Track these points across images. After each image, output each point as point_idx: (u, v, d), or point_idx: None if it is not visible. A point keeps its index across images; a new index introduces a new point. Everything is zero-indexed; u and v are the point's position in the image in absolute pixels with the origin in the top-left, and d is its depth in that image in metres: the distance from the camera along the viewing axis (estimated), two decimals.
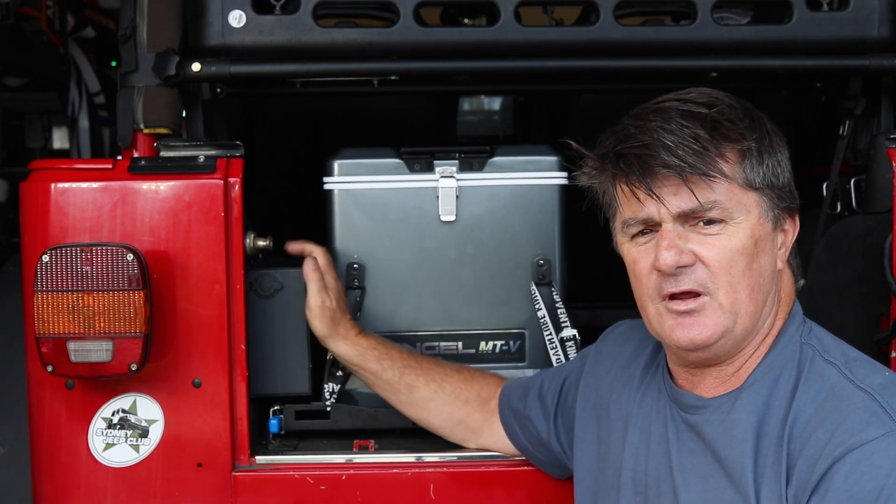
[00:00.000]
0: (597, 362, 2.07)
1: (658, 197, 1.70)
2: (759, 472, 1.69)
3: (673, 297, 1.73)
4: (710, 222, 1.71)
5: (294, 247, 2.40)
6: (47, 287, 2.18)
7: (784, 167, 1.76)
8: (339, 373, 2.49)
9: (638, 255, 1.77)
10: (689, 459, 1.79)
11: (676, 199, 1.70)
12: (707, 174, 1.68)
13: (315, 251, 2.38)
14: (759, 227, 1.72)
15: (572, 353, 2.47)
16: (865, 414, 1.62)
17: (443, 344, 2.54)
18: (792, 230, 1.79)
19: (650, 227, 1.75)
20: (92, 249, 2.19)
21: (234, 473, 2.34)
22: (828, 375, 1.70)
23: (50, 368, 2.21)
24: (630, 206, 1.75)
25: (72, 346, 2.20)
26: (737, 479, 1.71)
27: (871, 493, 1.56)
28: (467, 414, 2.31)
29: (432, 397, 2.31)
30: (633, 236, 1.78)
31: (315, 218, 2.58)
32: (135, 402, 2.32)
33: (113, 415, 2.32)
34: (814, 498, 1.60)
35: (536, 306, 2.50)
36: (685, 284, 1.71)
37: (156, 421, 2.32)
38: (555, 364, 2.47)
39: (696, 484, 1.77)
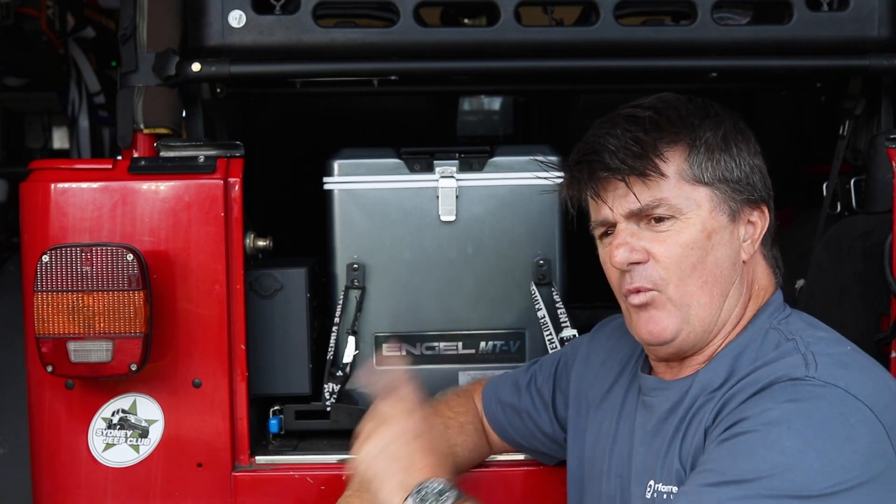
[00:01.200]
0: (591, 352, 2.09)
1: (605, 201, 1.78)
2: (688, 431, 1.73)
3: (630, 292, 1.79)
4: (660, 219, 1.76)
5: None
6: (47, 287, 2.18)
7: (741, 161, 1.78)
8: (339, 373, 2.50)
9: (605, 255, 1.85)
10: (647, 438, 1.83)
11: (624, 200, 1.76)
12: (644, 174, 1.74)
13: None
14: (711, 220, 1.76)
15: None
16: (789, 365, 1.64)
17: (443, 344, 2.55)
18: (761, 222, 1.82)
19: (610, 227, 1.82)
20: (92, 249, 2.19)
21: (234, 473, 2.34)
22: (779, 343, 1.73)
23: (50, 368, 2.21)
24: (593, 209, 1.84)
25: (72, 346, 2.20)
26: (665, 455, 1.75)
27: (753, 423, 1.58)
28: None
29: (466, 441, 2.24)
30: (600, 237, 1.86)
31: (315, 218, 2.58)
32: (135, 402, 2.32)
33: (113, 415, 2.32)
34: (713, 431, 1.64)
35: (536, 306, 2.51)
36: (637, 281, 1.77)
37: (156, 421, 2.32)
38: None
39: (651, 462, 1.80)
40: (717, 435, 1.63)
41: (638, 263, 1.76)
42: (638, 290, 1.78)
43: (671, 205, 1.75)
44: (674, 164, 1.76)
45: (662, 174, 1.74)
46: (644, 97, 1.84)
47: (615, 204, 1.78)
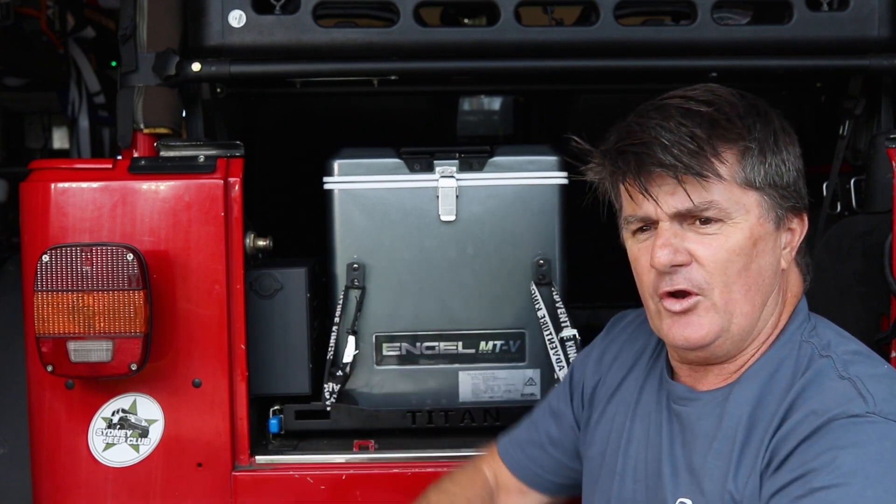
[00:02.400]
0: (606, 350, 2.04)
1: (653, 197, 1.69)
2: (742, 464, 1.68)
3: (668, 295, 1.72)
4: (706, 221, 1.69)
5: None
6: (47, 287, 2.18)
7: (790, 165, 1.73)
8: (339, 372, 2.50)
9: (639, 253, 1.76)
10: (679, 452, 1.79)
11: (672, 198, 1.69)
12: (701, 174, 1.66)
13: None
14: (758, 227, 1.70)
15: (572, 353, 2.47)
16: (845, 398, 1.61)
17: (443, 344, 2.55)
18: (799, 229, 1.77)
19: (649, 224, 1.74)
20: (92, 249, 2.19)
21: (234, 473, 2.34)
22: (821, 371, 1.69)
23: (50, 368, 2.21)
24: (630, 203, 1.75)
25: (72, 345, 2.20)
26: (710, 475, 1.71)
27: (824, 463, 1.54)
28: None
29: None
30: (634, 232, 1.77)
31: (315, 218, 2.58)
32: (135, 401, 2.32)
33: (113, 415, 2.32)
34: (779, 471, 1.60)
35: (536, 306, 2.51)
36: (680, 284, 1.70)
37: (156, 421, 2.32)
38: (554, 364, 2.48)
39: (684, 477, 1.77)
40: (784, 486, 1.58)
41: (680, 266, 1.69)
42: (679, 294, 1.70)
43: (721, 208, 1.68)
44: (728, 166, 1.68)
45: (720, 176, 1.67)
46: (690, 87, 1.76)
47: (662, 201, 1.69)
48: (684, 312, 1.71)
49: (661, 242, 1.69)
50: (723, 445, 1.71)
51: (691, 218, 1.69)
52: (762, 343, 1.76)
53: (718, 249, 1.69)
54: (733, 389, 1.75)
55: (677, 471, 1.78)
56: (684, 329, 1.72)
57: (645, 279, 1.75)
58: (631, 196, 1.74)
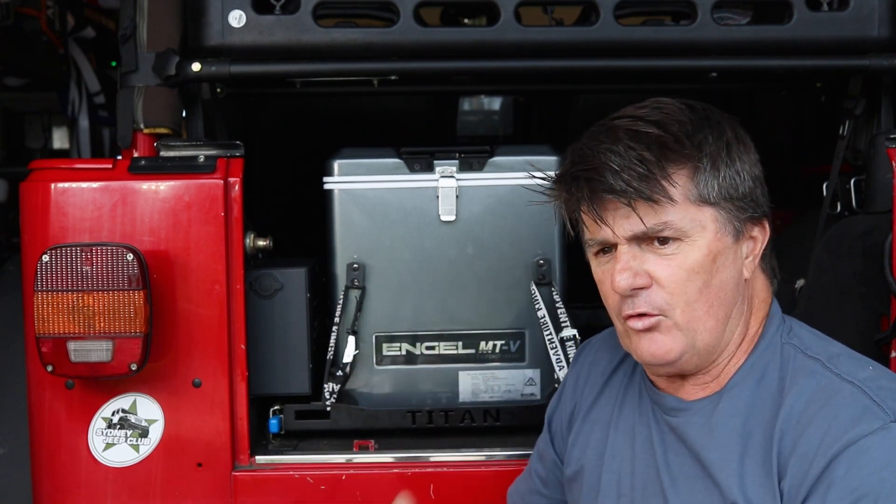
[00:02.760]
0: (578, 376, 2.04)
1: (608, 223, 1.70)
2: (745, 473, 1.68)
3: (630, 316, 1.73)
4: (664, 241, 1.69)
5: None
6: (47, 287, 2.18)
7: (745, 175, 1.72)
8: (339, 373, 2.50)
9: (602, 275, 1.77)
10: (675, 461, 1.79)
11: (627, 222, 1.69)
12: (652, 198, 1.66)
13: None
14: (716, 242, 1.70)
15: (572, 353, 2.47)
16: (857, 408, 1.61)
17: (443, 344, 2.55)
18: (761, 237, 1.76)
19: (609, 246, 1.74)
20: (92, 249, 2.19)
21: (234, 473, 2.34)
22: (813, 371, 1.69)
23: (50, 368, 2.21)
24: (589, 226, 1.76)
25: (72, 345, 2.20)
26: (720, 483, 1.70)
27: (872, 486, 1.56)
28: None
29: None
30: (596, 254, 1.78)
31: (315, 218, 2.58)
32: (135, 401, 2.32)
33: (113, 415, 2.32)
34: (814, 496, 1.60)
35: (536, 306, 2.51)
36: (640, 307, 1.71)
37: (156, 421, 2.32)
38: (554, 364, 2.48)
39: (684, 485, 1.76)
40: None
41: (641, 288, 1.70)
42: (641, 316, 1.71)
43: (677, 227, 1.68)
44: (680, 185, 1.68)
45: (671, 199, 1.67)
46: (639, 104, 1.76)
47: (617, 225, 1.69)
48: (648, 330, 1.72)
49: (619, 267, 1.70)
50: (720, 456, 1.71)
51: (649, 239, 1.69)
52: (734, 352, 1.76)
53: (677, 269, 1.69)
54: (721, 398, 1.75)
55: (675, 481, 1.78)
56: (650, 346, 1.73)
57: (610, 301, 1.76)
58: (588, 221, 1.74)
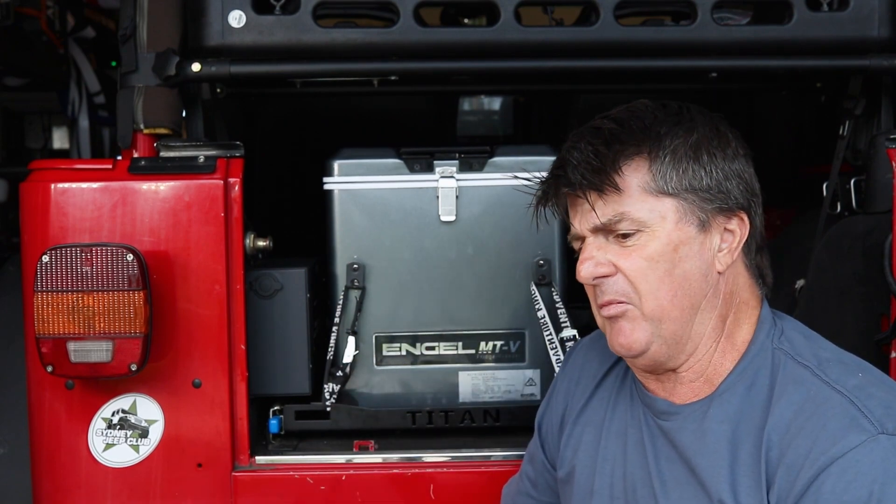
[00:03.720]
0: (569, 378, 2.05)
1: (571, 216, 1.77)
2: (736, 481, 1.68)
3: (602, 305, 1.77)
4: (626, 234, 1.72)
5: None
6: (47, 287, 2.18)
7: (712, 169, 1.73)
8: (339, 373, 2.50)
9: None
10: (666, 466, 1.79)
11: (589, 215, 1.73)
12: (600, 189, 1.71)
13: None
14: (677, 231, 1.71)
15: None
16: (845, 419, 1.61)
17: (443, 344, 2.55)
18: (740, 230, 1.76)
19: (582, 241, 1.79)
20: (92, 249, 2.19)
21: (234, 473, 2.34)
22: (803, 379, 1.69)
23: (50, 368, 2.21)
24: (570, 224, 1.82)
25: (72, 346, 2.20)
26: (710, 490, 1.71)
27: (860, 500, 1.56)
28: None
29: None
30: (578, 249, 1.82)
31: (315, 218, 2.58)
32: (135, 402, 2.32)
33: (113, 415, 2.32)
34: None
35: (536, 306, 2.51)
36: (608, 294, 1.75)
37: (156, 421, 2.32)
38: (554, 364, 2.48)
39: (674, 490, 1.77)
40: None
41: (606, 277, 1.73)
42: (609, 303, 1.75)
43: (634, 218, 1.71)
44: (634, 176, 1.71)
45: (618, 189, 1.70)
46: (619, 106, 1.80)
47: (581, 218, 1.76)
48: (616, 319, 1.75)
49: (583, 256, 1.76)
50: (710, 462, 1.72)
51: (611, 231, 1.73)
52: (712, 347, 1.76)
53: (637, 259, 1.72)
54: (712, 403, 1.75)
55: (666, 485, 1.78)
56: (619, 336, 1.76)
57: (588, 295, 1.81)
58: (567, 218, 1.81)
